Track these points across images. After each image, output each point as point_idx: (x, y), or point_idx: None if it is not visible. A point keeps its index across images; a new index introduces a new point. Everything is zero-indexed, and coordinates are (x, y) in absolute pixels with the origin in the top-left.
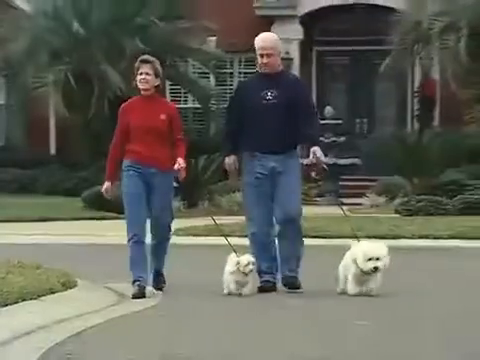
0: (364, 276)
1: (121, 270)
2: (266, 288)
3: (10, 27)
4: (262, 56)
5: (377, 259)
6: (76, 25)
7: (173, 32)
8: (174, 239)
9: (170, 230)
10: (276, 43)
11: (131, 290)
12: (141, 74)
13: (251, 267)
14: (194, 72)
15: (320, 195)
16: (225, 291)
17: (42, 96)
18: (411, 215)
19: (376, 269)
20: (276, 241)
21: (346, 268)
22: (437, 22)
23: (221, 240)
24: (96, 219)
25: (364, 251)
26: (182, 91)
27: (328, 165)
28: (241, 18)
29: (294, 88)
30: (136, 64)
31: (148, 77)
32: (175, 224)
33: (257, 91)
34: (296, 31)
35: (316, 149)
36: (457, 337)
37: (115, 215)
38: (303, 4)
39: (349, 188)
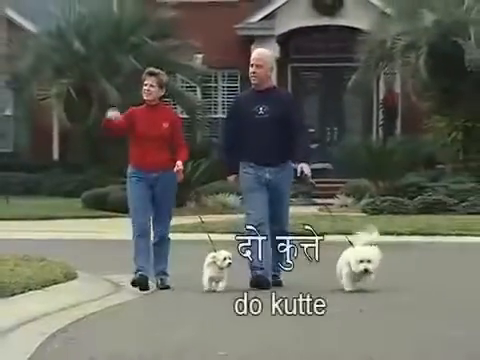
0: (358, 276)
1: (117, 263)
2: (259, 282)
3: (18, 46)
4: (252, 66)
5: (368, 261)
6: (77, 44)
7: (163, 50)
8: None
9: (169, 229)
10: (266, 57)
11: (132, 278)
12: (146, 85)
13: (228, 261)
14: (182, 86)
15: (294, 196)
16: (205, 288)
17: (46, 107)
18: (376, 214)
19: (366, 271)
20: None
21: (340, 268)
22: (399, 41)
23: (205, 237)
24: (94, 218)
25: (356, 254)
26: (171, 103)
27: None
28: (224, 38)
29: (285, 104)
30: (143, 75)
31: (152, 89)
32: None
33: (250, 106)
34: (273, 49)
35: (303, 166)
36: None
37: (111, 214)
38: (280, 25)
39: (321, 190)
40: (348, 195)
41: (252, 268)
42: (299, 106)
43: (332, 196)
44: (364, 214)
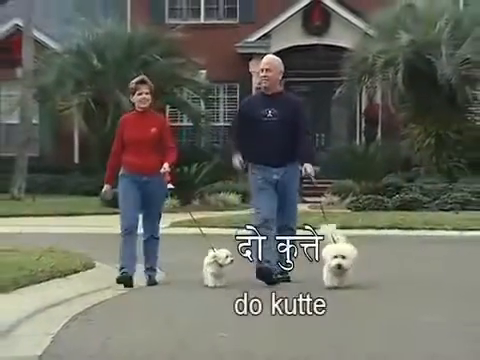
0: (336, 271)
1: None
2: (264, 272)
3: (43, 63)
4: (262, 70)
5: (343, 257)
6: (95, 61)
7: (171, 67)
8: (172, 229)
9: (158, 231)
10: (275, 61)
11: (117, 275)
12: (141, 94)
13: (230, 259)
14: (188, 97)
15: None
16: (205, 282)
17: (68, 117)
18: (359, 210)
19: (340, 266)
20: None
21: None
22: (379, 59)
23: (208, 230)
24: (110, 214)
25: (333, 249)
26: (178, 112)
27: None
28: (225, 55)
29: (293, 108)
30: (133, 85)
31: (147, 96)
32: (174, 217)
33: (259, 109)
34: None
35: (306, 166)
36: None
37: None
38: (274, 44)
39: (310, 189)
40: (334, 194)
41: (258, 261)
42: (305, 111)
43: (320, 195)
44: (348, 211)
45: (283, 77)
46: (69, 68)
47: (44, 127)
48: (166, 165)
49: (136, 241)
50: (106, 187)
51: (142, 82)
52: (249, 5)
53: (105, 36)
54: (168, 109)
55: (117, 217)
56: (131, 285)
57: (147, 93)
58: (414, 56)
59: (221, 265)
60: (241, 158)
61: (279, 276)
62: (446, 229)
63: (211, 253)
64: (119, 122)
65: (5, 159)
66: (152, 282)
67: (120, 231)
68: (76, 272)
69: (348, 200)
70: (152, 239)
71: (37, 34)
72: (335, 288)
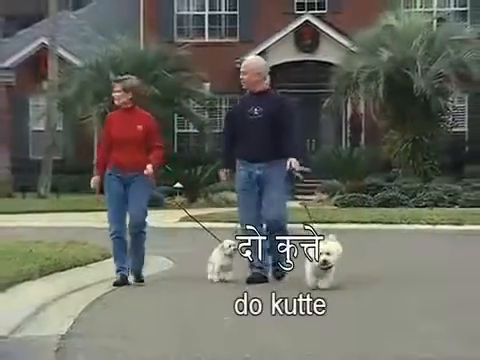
0: (319, 270)
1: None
2: (255, 279)
3: (65, 77)
4: (241, 73)
5: (327, 254)
6: (112, 75)
7: (178, 80)
8: (181, 224)
9: (145, 226)
10: (251, 64)
11: (115, 278)
12: (114, 92)
13: (233, 248)
14: (193, 107)
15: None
16: (209, 277)
17: (87, 124)
18: (345, 207)
19: (325, 262)
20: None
21: (306, 262)
22: (362, 73)
23: (211, 225)
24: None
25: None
26: (185, 121)
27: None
28: (227, 70)
29: (278, 105)
30: (111, 84)
31: (118, 94)
32: (182, 213)
33: (246, 108)
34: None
35: (291, 160)
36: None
37: None
38: (270, 60)
39: (302, 188)
40: (323, 192)
41: (250, 266)
42: (292, 109)
43: (311, 193)
44: (335, 207)
45: (278, 89)
46: (89, 81)
47: (67, 134)
48: (149, 167)
49: (126, 242)
50: (94, 178)
51: (115, 81)
52: (248, 26)
53: (120, 53)
54: (176, 117)
55: None
56: (127, 284)
57: (119, 91)
58: (393, 71)
59: (229, 255)
60: (227, 170)
61: (276, 273)
62: (421, 223)
63: (220, 244)
64: (106, 119)
65: (33, 162)
66: (140, 281)
67: (109, 231)
68: (95, 261)
69: (335, 198)
70: (139, 235)
71: (61, 51)
72: (317, 289)
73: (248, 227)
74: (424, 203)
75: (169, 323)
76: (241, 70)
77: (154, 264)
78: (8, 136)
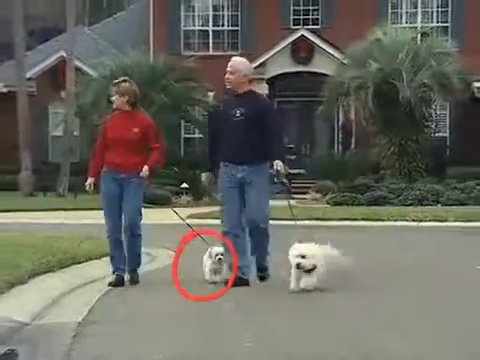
0: (300, 273)
1: (153, 240)
2: (238, 282)
3: (82, 86)
4: (226, 73)
5: (302, 257)
6: None
7: (185, 90)
8: (188, 221)
9: (139, 228)
10: (237, 64)
11: (110, 278)
12: (113, 96)
13: (219, 258)
14: (199, 114)
15: (277, 192)
16: (206, 277)
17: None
18: (337, 205)
19: (298, 265)
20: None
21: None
22: (353, 83)
23: (213, 222)
24: None
25: (293, 249)
26: (191, 126)
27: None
28: None
29: (260, 107)
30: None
31: (114, 97)
32: (189, 210)
33: (229, 109)
34: (264, 88)
35: (277, 162)
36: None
37: (148, 205)
38: (269, 71)
39: (298, 188)
40: (317, 192)
41: (231, 269)
42: (274, 111)
43: (306, 193)
44: (328, 205)
45: (276, 97)
46: (103, 90)
47: (83, 138)
48: (145, 168)
49: (122, 242)
50: (90, 181)
51: (113, 85)
52: (248, 40)
53: (132, 64)
54: (183, 123)
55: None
56: (122, 285)
57: (114, 94)
58: (381, 81)
59: (218, 261)
60: (209, 173)
61: (259, 274)
62: (407, 220)
63: (209, 249)
64: (104, 120)
65: (52, 164)
66: (133, 282)
67: (106, 233)
68: (108, 255)
69: (328, 197)
70: (133, 236)
71: (78, 63)
72: (301, 291)
73: (230, 230)
74: (409, 202)
75: (180, 312)
76: (228, 70)
77: (164, 257)
78: (30, 141)
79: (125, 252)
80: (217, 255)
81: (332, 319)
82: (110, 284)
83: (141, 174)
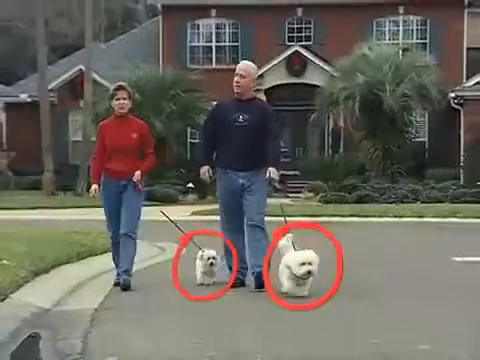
0: (299, 280)
1: (162, 235)
2: (235, 284)
3: (98, 96)
4: (236, 75)
5: (309, 264)
6: (136, 94)
7: (191, 99)
8: (193, 217)
9: (135, 232)
10: (250, 68)
11: (115, 280)
12: (118, 99)
13: (210, 262)
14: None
15: (276, 191)
16: (198, 282)
17: None
18: (328, 203)
19: (309, 273)
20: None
21: (281, 273)
22: (342, 93)
23: (217, 218)
24: (147, 206)
25: (296, 257)
26: (197, 132)
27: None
28: (231, 91)
29: (263, 114)
30: (112, 91)
31: (125, 102)
32: (194, 208)
33: (231, 114)
34: (262, 98)
35: (271, 169)
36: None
37: (159, 203)
38: (266, 82)
39: (292, 188)
40: (310, 191)
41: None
42: (276, 118)
43: (299, 192)
44: (320, 203)
45: (272, 106)
46: None
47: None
48: (137, 173)
49: None
50: (94, 187)
51: (120, 88)
52: (248, 54)
53: (143, 77)
54: (189, 130)
55: (151, 208)
56: (129, 289)
57: (124, 98)
58: (367, 92)
59: (210, 264)
60: (209, 168)
61: (257, 279)
62: (389, 216)
63: (200, 252)
64: (99, 127)
65: (72, 166)
66: (126, 286)
67: (109, 237)
68: None
69: (319, 196)
70: (128, 240)
71: (95, 76)
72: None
73: (229, 235)
74: (392, 200)
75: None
76: (239, 72)
77: (172, 250)
78: (52, 145)
79: (120, 253)
80: (209, 259)
81: (332, 319)
82: (116, 285)
83: (133, 178)
